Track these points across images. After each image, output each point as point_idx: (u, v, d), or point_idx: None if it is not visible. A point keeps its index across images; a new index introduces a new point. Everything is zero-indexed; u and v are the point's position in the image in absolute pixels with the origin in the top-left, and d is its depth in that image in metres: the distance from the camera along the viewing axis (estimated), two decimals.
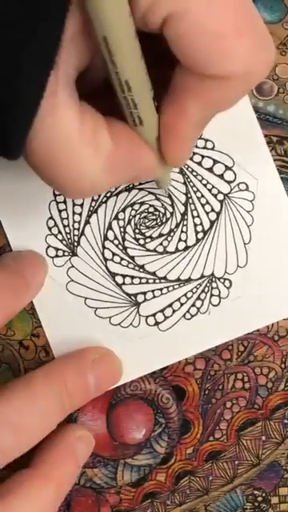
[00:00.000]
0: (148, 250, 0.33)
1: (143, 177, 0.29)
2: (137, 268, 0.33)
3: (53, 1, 0.21)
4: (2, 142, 0.23)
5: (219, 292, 0.33)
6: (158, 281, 0.33)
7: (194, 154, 0.33)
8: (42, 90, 0.22)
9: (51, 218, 0.33)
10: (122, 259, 0.33)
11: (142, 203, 0.33)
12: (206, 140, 0.33)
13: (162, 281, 0.33)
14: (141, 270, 0.33)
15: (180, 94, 0.25)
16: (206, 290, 0.33)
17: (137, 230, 0.33)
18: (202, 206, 0.33)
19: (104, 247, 0.33)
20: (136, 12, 0.22)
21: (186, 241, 0.33)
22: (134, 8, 0.22)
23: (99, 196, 0.33)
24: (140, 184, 0.33)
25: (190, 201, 0.33)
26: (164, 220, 0.33)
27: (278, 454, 0.34)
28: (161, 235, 0.33)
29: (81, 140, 0.24)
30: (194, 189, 0.33)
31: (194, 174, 0.33)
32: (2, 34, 0.21)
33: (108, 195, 0.33)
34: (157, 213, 0.33)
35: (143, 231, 0.33)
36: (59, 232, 0.33)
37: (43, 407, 0.30)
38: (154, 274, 0.33)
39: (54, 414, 0.30)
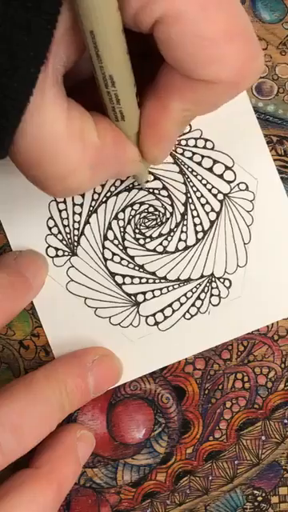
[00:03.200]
0: (148, 250, 0.33)
1: (126, 172, 0.29)
2: (137, 268, 0.33)
3: None
4: None
5: (219, 292, 0.33)
6: (157, 281, 0.33)
7: (194, 154, 0.33)
8: (32, 86, 0.22)
9: (51, 217, 0.33)
10: (121, 259, 0.33)
11: (141, 203, 0.33)
12: (206, 140, 0.33)
13: (162, 281, 0.33)
14: (141, 269, 0.33)
15: (164, 92, 0.25)
16: (206, 289, 0.33)
17: (137, 230, 0.33)
18: (202, 205, 0.33)
19: (104, 247, 0.33)
20: (127, 11, 0.22)
21: (185, 241, 0.33)
22: (125, 7, 0.22)
23: (99, 196, 0.33)
24: (140, 184, 0.33)
25: (190, 201, 0.33)
26: (164, 220, 0.33)
27: (277, 453, 0.34)
28: (161, 235, 0.33)
29: (68, 137, 0.24)
30: (194, 189, 0.33)
31: (194, 173, 0.33)
32: None
33: (108, 195, 0.33)
34: (157, 213, 0.33)
35: (143, 231, 0.33)
36: (59, 232, 0.33)
37: (44, 408, 0.30)
38: (153, 273, 0.33)
39: (54, 415, 0.30)
